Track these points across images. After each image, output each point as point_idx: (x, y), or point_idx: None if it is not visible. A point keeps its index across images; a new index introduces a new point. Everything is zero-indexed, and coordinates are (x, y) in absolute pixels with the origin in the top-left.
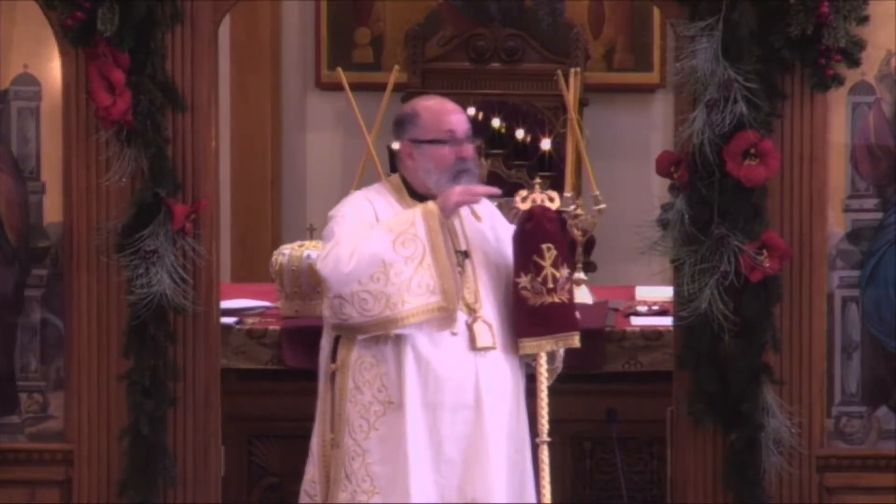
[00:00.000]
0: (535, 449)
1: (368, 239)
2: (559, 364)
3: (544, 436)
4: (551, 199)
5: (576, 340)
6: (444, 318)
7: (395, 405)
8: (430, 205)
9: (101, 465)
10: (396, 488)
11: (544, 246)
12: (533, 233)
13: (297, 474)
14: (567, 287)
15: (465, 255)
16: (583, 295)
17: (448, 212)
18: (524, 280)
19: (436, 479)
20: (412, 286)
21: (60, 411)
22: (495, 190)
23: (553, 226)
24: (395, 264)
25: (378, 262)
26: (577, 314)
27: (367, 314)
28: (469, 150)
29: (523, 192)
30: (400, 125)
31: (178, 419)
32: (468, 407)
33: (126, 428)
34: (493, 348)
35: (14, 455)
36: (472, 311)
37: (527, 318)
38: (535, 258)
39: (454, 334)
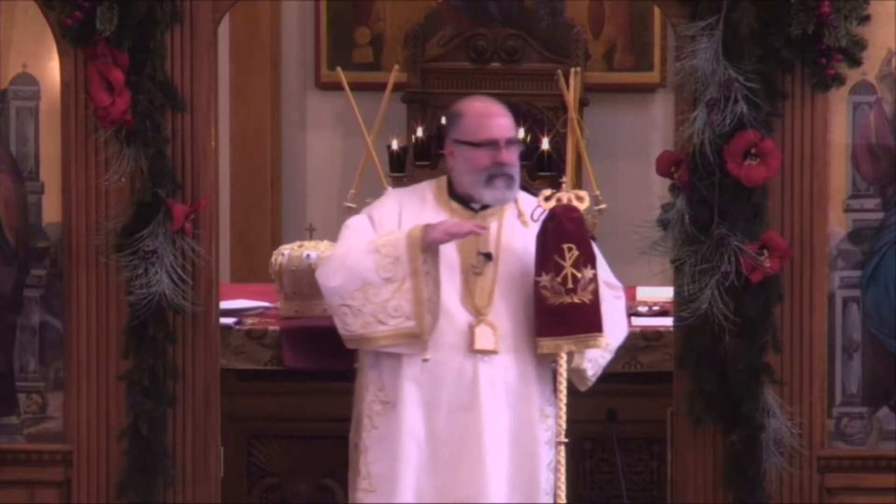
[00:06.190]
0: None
1: (356, 255)
2: (588, 366)
3: (562, 436)
4: (580, 199)
5: (600, 342)
6: (414, 343)
7: (391, 404)
8: (416, 231)
9: (100, 466)
10: (390, 487)
11: (565, 246)
12: (554, 232)
13: (297, 474)
14: (590, 288)
15: (489, 257)
16: None
17: (427, 244)
18: (544, 279)
19: (431, 479)
20: (388, 308)
21: (59, 412)
22: (480, 230)
23: (575, 226)
24: (374, 285)
25: (359, 280)
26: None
27: (346, 328)
28: (507, 155)
29: (547, 192)
30: (447, 123)
31: (177, 419)
32: (464, 408)
33: (125, 428)
34: (493, 352)
35: (13, 456)
36: (479, 313)
37: (545, 317)
38: (556, 258)
39: (425, 360)
